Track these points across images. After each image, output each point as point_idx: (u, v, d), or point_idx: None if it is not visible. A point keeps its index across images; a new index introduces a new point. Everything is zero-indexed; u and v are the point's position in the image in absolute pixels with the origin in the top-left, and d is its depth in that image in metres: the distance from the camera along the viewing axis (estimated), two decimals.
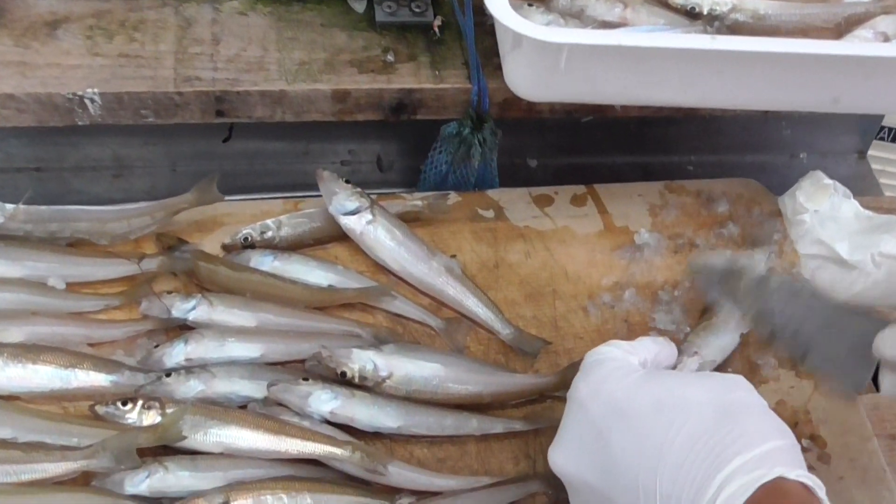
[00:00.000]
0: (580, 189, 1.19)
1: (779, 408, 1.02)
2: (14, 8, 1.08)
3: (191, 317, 0.97)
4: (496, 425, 0.97)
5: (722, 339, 1.03)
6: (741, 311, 0.97)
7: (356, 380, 0.93)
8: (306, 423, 0.91)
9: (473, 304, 1.04)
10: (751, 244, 1.15)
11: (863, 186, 1.33)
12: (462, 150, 1.13)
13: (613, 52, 0.92)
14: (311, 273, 1.04)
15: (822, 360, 0.88)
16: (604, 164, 1.31)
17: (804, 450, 0.95)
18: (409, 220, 1.09)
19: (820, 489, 0.72)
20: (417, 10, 1.15)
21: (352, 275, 1.05)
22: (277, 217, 1.07)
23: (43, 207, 1.00)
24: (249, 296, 1.00)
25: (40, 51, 1.05)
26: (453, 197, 1.15)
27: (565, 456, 0.84)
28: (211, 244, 1.05)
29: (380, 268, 1.07)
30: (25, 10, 1.08)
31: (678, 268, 1.13)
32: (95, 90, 1.02)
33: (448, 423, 0.95)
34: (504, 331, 1.04)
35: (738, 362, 1.05)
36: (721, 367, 1.03)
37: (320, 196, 1.06)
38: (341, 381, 0.93)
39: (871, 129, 1.41)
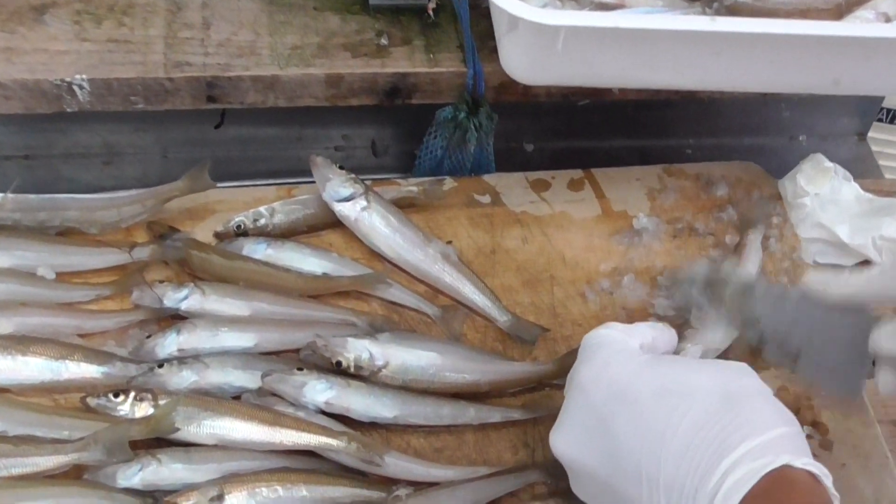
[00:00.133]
0: (577, 173, 1.18)
1: (780, 394, 1.01)
2: None
3: (183, 306, 0.96)
4: (494, 414, 0.96)
5: (723, 327, 1.02)
6: (727, 320, 0.96)
7: (352, 369, 0.92)
8: (301, 414, 0.90)
9: (470, 292, 1.04)
10: (746, 225, 1.14)
11: (863, 169, 1.32)
12: (458, 134, 1.12)
13: (611, 35, 0.91)
14: (305, 261, 1.03)
15: (815, 366, 0.87)
16: (601, 147, 1.30)
17: (806, 437, 0.94)
18: (404, 206, 1.08)
19: (826, 477, 0.71)
20: None
21: (346, 262, 1.04)
22: (270, 204, 1.06)
23: (31, 196, 0.99)
24: (242, 284, 0.99)
25: (27, 36, 1.03)
26: (449, 182, 1.14)
27: (567, 441, 0.83)
28: (203, 232, 1.04)
29: (375, 255, 1.06)
30: None
31: (677, 253, 1.12)
32: (84, 76, 1.01)
33: (445, 413, 0.94)
34: (501, 318, 1.03)
35: (737, 348, 1.03)
36: (721, 353, 1.02)
37: (314, 182, 1.05)
38: (336, 370, 0.92)
39: (871, 110, 1.40)
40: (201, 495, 0.83)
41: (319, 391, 0.91)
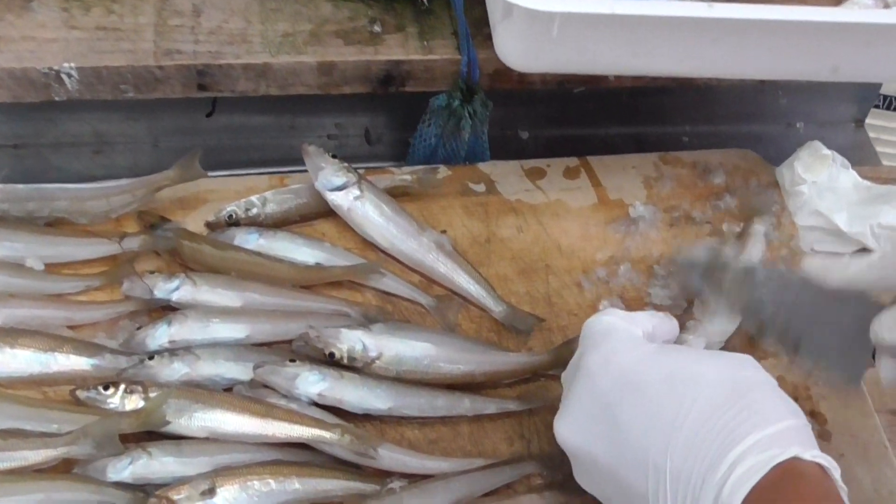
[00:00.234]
0: (573, 161, 1.17)
1: (779, 384, 1.00)
2: None
3: (174, 297, 0.95)
4: (489, 405, 0.95)
5: (725, 317, 1.01)
6: (728, 305, 0.95)
7: (345, 360, 0.92)
8: (294, 406, 0.89)
9: (465, 281, 1.03)
10: (750, 214, 1.13)
11: (861, 156, 1.32)
12: (452, 122, 1.11)
13: (607, 21, 0.90)
14: (298, 251, 1.02)
15: (816, 352, 0.87)
16: (597, 135, 1.29)
17: None
18: (397, 195, 1.07)
19: (835, 470, 0.71)
20: None
21: (339, 252, 1.03)
22: (263, 193, 1.05)
23: (20, 186, 0.98)
24: (234, 275, 0.98)
25: (14, 23, 1.02)
26: (443, 171, 1.13)
27: (571, 427, 0.82)
28: (194, 222, 1.03)
29: (368, 244, 1.05)
30: None
31: (674, 242, 1.11)
32: (72, 64, 1.00)
33: (440, 404, 0.94)
34: (496, 308, 1.02)
35: (736, 338, 1.03)
36: (725, 345, 1.01)
37: (307, 171, 1.04)
38: (329, 361, 0.91)
39: (869, 97, 1.39)
40: (192, 489, 0.82)
41: (312, 383, 0.90)
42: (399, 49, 1.09)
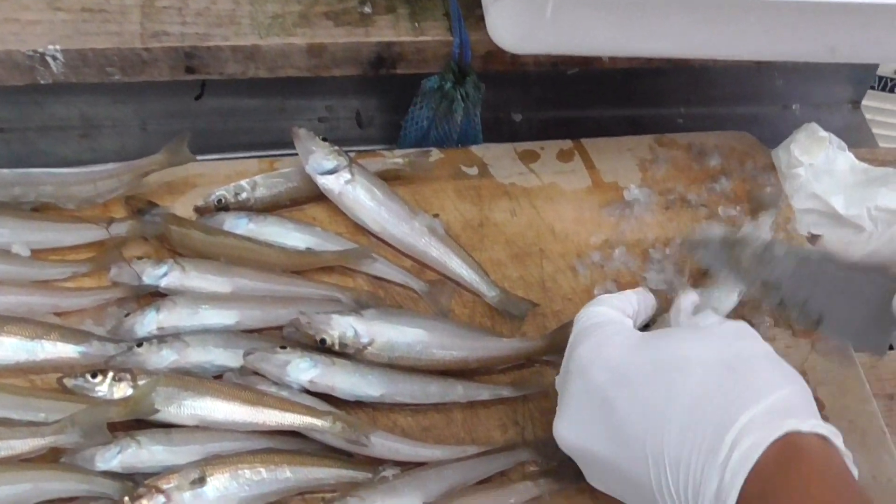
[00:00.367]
0: (567, 144, 1.16)
1: None
2: None
3: (163, 283, 0.94)
4: (482, 392, 0.94)
5: (721, 291, 1.00)
6: (745, 283, 0.94)
7: (336, 347, 0.91)
8: (285, 393, 0.88)
9: (457, 266, 1.02)
10: (756, 209, 1.12)
11: (857, 137, 1.31)
12: (444, 104, 1.10)
13: (601, 1, 0.89)
14: (288, 235, 1.01)
15: (839, 327, 0.86)
16: (591, 117, 1.29)
17: None
18: (389, 179, 1.06)
19: (836, 437, 0.69)
20: None
21: (330, 237, 1.02)
22: (252, 177, 1.03)
23: (5, 171, 0.97)
24: (224, 260, 0.97)
25: None
26: (435, 154, 1.12)
27: (570, 429, 0.81)
28: (183, 207, 1.02)
29: (359, 229, 1.04)
30: None
31: (670, 225, 1.10)
32: (57, 47, 0.99)
33: (433, 391, 0.93)
34: (490, 293, 1.01)
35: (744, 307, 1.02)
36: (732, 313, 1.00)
37: (297, 155, 1.03)
38: (321, 348, 0.90)
39: (865, 78, 1.39)
40: (182, 478, 0.81)
41: (303, 370, 0.89)
42: (390, 30, 1.07)
